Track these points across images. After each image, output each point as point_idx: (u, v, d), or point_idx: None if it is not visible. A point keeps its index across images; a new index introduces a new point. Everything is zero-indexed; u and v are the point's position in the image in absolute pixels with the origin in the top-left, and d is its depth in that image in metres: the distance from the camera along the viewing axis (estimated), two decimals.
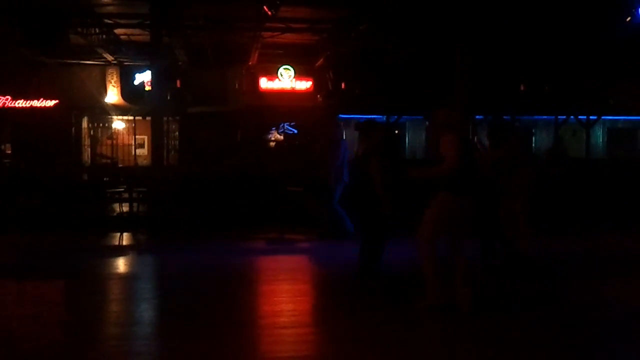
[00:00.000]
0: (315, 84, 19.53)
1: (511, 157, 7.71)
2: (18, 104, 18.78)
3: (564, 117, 20.86)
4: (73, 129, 19.67)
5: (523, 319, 5.70)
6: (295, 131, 19.91)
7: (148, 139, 19.52)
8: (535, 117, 21.43)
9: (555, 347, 4.95)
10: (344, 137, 10.41)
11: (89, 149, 20.11)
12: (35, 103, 18.85)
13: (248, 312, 6.15)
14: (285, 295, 6.88)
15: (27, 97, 18.75)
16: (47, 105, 18.89)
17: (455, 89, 13.75)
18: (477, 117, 18.19)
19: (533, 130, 22.14)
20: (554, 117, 21.03)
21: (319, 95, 19.41)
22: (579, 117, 20.61)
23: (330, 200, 9.82)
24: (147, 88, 18.67)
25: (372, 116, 18.09)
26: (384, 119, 19.21)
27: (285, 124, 19.67)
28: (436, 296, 5.68)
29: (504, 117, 19.23)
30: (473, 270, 5.90)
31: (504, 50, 15.94)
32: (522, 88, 19.00)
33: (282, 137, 19.99)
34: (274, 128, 20.00)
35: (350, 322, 5.58)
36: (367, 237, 7.01)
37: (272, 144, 20.02)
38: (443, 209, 5.63)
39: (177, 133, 19.81)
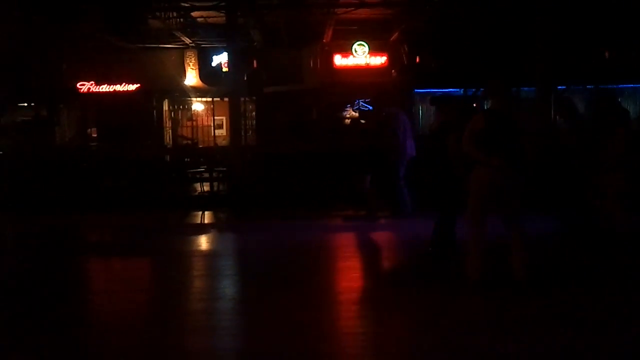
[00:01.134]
0: (389, 59, 19.31)
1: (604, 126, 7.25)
2: (102, 88, 19.38)
3: None
4: (154, 111, 20.16)
5: (583, 296, 5.52)
6: (371, 108, 19.80)
7: (226, 119, 19.84)
8: (621, 85, 20.51)
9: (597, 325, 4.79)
10: (401, 112, 10.08)
11: (170, 131, 20.62)
12: (118, 87, 19.43)
13: (325, 289, 6.24)
14: (360, 272, 6.94)
15: (110, 82, 19.37)
16: (129, 89, 19.44)
17: (535, 59, 13.33)
18: (560, 87, 17.56)
19: (619, 100, 21.26)
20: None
21: (393, 71, 19.20)
22: None
23: (394, 177, 9.58)
24: (225, 69, 18.96)
25: (449, 90, 17.80)
26: (461, 92, 18.86)
27: (360, 100, 19.59)
28: (474, 271, 5.67)
29: (588, 86, 18.51)
30: (536, 244, 5.80)
31: (586, 16, 15.29)
32: (606, 55, 18.21)
33: (357, 114, 19.94)
34: (349, 105, 19.96)
35: (412, 299, 5.61)
36: (441, 213, 6.98)
37: (348, 121, 19.99)
38: (475, 183, 5.69)
39: (254, 113, 20.05)
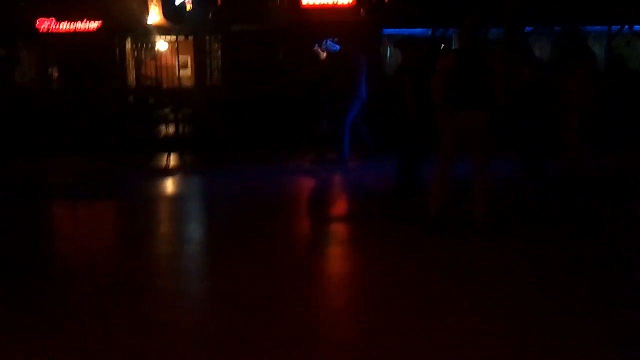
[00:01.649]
0: None
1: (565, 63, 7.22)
2: (62, 26, 18.88)
3: (618, 27, 19.97)
4: (117, 50, 19.73)
5: (539, 238, 5.62)
6: (338, 47, 19.61)
7: (191, 59, 19.50)
8: (587, 27, 20.55)
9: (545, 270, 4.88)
10: (362, 53, 9.81)
11: (134, 71, 20.24)
12: (79, 25, 18.92)
13: (287, 232, 6.29)
14: (323, 215, 7.00)
15: (71, 20, 18.84)
16: (90, 27, 18.95)
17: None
18: (527, 28, 17.54)
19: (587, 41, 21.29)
20: (607, 27, 20.14)
21: (362, 10, 18.95)
22: (634, 27, 19.70)
23: (341, 120, 9.37)
24: (189, 7, 18.53)
25: (418, 30, 17.66)
26: (429, 33, 18.73)
27: (329, 40, 19.35)
28: (434, 208, 5.77)
29: (556, 28, 18.51)
30: (497, 189, 5.87)
31: None
32: None
33: (325, 54, 19.75)
34: (316, 45, 19.72)
35: (379, 240, 5.70)
36: (402, 154, 7.03)
37: (324, 57, 19.81)
38: (444, 123, 5.70)
39: (219, 53, 19.72)
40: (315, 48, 19.65)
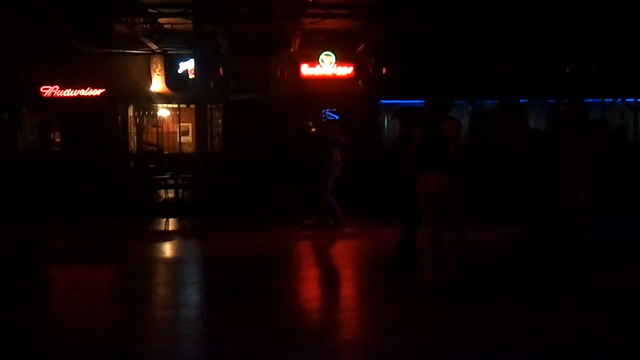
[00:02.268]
0: (356, 70, 19.47)
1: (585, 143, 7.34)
2: (66, 93, 19.17)
3: (611, 99, 20.42)
4: (119, 117, 19.98)
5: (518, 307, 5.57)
6: (337, 117, 19.93)
7: (192, 126, 19.77)
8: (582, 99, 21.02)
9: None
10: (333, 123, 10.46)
11: (135, 137, 20.47)
12: (83, 92, 19.23)
13: (290, 297, 6.28)
14: (323, 280, 6.99)
15: (74, 87, 19.16)
16: (94, 94, 19.26)
17: (498, 73, 13.62)
18: (522, 100, 17.93)
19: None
20: (600, 100, 20.60)
21: (360, 81, 19.38)
22: (627, 99, 20.16)
23: (321, 189, 9.75)
24: (191, 76, 18.91)
25: (414, 101, 18.01)
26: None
27: (327, 110, 19.70)
28: (427, 278, 5.88)
29: (549, 100, 18.91)
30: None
31: (548, 31, 15.66)
32: (567, 70, 18.66)
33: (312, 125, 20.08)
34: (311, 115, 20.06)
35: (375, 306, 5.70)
36: (403, 223, 7.10)
37: (314, 129, 20.14)
38: (417, 190, 6.01)
39: (220, 120, 20.03)
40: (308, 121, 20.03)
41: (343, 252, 8.72)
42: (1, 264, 7.81)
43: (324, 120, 10.44)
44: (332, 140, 9.86)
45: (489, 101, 18.16)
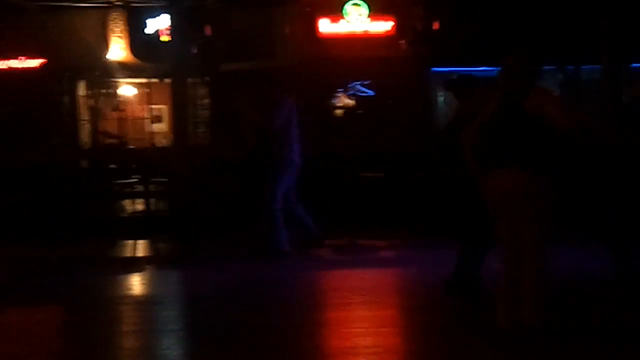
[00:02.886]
0: (397, 25, 19.51)
1: None
2: None
3: None
4: (66, 97, 20.15)
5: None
6: (372, 92, 19.97)
7: (168, 109, 19.87)
8: None
9: None
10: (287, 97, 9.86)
11: (89, 125, 20.59)
12: (14, 63, 19.37)
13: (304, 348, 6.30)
14: (350, 327, 7.01)
15: (3, 56, 19.30)
16: (29, 65, 19.40)
17: (601, 28, 13.56)
18: (634, 64, 17.80)
19: None
20: None
21: (403, 41, 19.37)
22: None
23: (265, 194, 9.39)
24: (164, 38, 19.02)
25: (479, 69, 17.96)
26: (494, 72, 19.02)
27: (357, 83, 19.74)
28: (502, 318, 5.93)
29: None
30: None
31: None
32: None
33: (353, 102, 20.10)
34: (341, 90, 20.11)
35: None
36: (465, 238, 7.09)
37: (339, 112, 20.15)
38: (487, 194, 6.02)
39: (206, 100, 20.12)
40: (339, 93, 20.08)
41: (377, 284, 8.73)
42: None
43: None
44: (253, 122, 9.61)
45: (587, 67, 18.04)
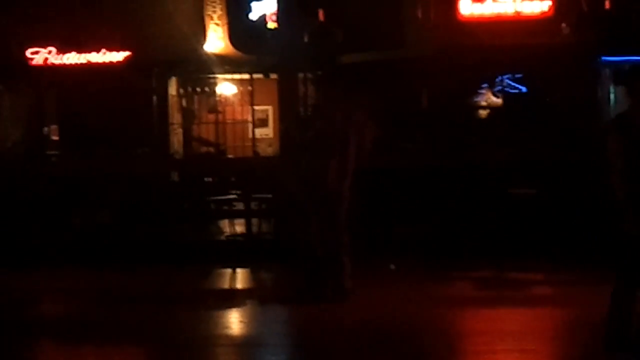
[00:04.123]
0: (557, 5, 19.30)
1: None
2: (67, 59, 19.60)
3: None
4: (154, 97, 20.38)
5: None
6: (524, 88, 19.79)
7: (274, 110, 20.06)
8: None
9: None
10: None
11: (181, 130, 20.79)
12: (94, 57, 19.65)
13: None
14: None
15: (81, 48, 19.60)
16: (113, 60, 19.66)
17: None
18: None
19: None
20: None
21: (564, 25, 19.15)
22: None
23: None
24: (271, 25, 19.23)
25: None
26: None
27: (506, 76, 19.59)
28: None
29: None
30: None
31: None
32: None
33: (500, 101, 19.94)
34: (486, 85, 19.99)
35: None
36: (617, 278, 7.00)
37: (484, 112, 20.01)
38: None
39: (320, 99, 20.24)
40: (484, 90, 19.98)
41: (528, 328, 8.65)
42: None
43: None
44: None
45: None
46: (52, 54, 19.55)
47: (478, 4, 19.25)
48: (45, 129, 20.31)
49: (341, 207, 9.46)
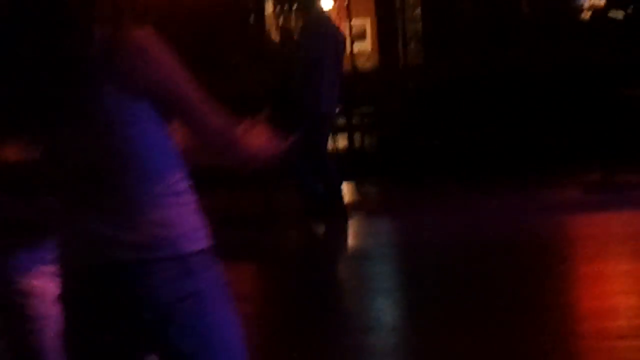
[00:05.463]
0: None
1: None
2: None
3: None
4: (252, 16, 20.50)
5: None
6: None
7: (371, 23, 19.98)
8: None
9: None
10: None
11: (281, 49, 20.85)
12: None
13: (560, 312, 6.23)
14: (608, 283, 6.87)
15: None
16: None
17: None
18: None
19: None
20: None
21: None
22: None
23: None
24: None
25: None
26: None
27: None
28: None
29: None
30: None
31: None
32: None
33: (602, 3, 19.51)
34: None
35: None
36: None
37: (587, 14, 19.61)
38: None
39: (419, 9, 20.08)
40: None
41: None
42: None
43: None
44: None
45: None
46: None
47: None
48: None
49: None
